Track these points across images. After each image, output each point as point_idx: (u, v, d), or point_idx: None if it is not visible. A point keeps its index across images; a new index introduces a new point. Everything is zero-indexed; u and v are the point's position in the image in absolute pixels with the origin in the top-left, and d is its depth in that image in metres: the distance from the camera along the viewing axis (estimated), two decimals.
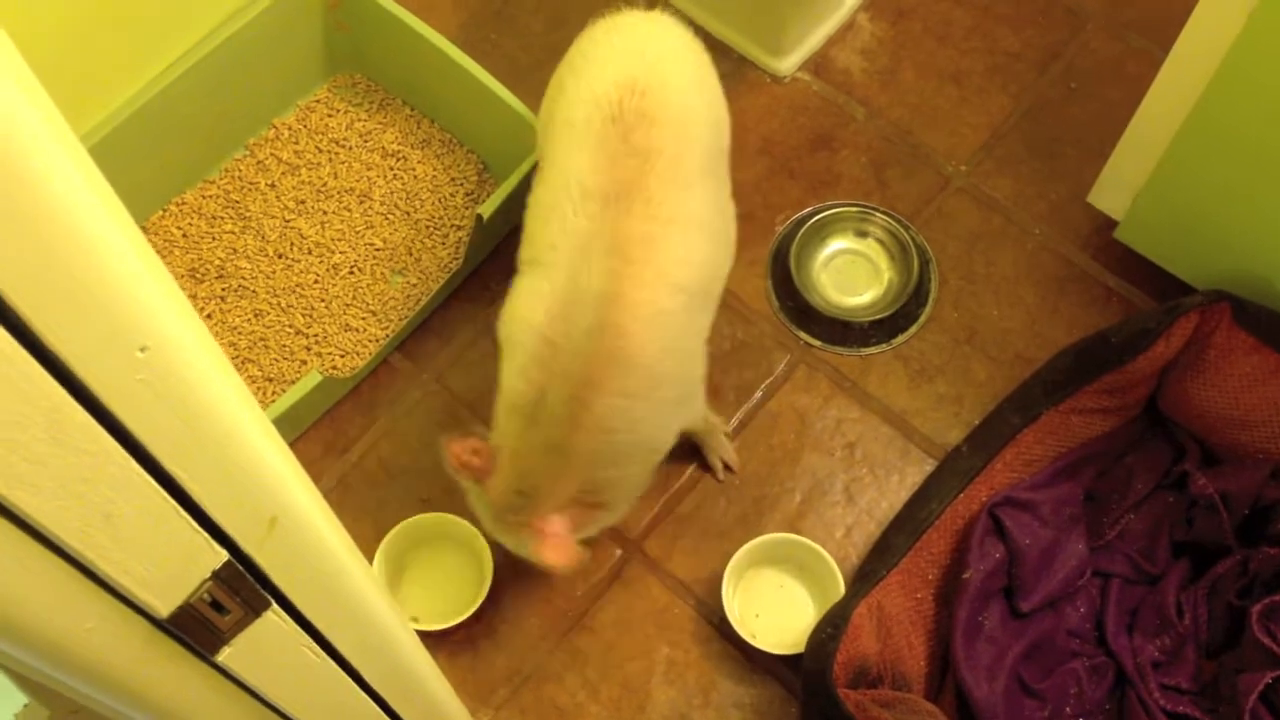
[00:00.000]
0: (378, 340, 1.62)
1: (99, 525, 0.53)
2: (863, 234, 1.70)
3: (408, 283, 1.66)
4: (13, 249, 0.43)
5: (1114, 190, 1.56)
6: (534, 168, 1.36)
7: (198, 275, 1.67)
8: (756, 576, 1.49)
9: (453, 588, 1.50)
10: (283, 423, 1.48)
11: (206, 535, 0.59)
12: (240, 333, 1.63)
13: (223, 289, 1.66)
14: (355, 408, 1.61)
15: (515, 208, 1.38)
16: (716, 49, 1.85)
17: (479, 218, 1.53)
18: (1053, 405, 1.45)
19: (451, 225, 1.70)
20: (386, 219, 1.70)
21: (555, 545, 1.25)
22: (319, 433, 1.60)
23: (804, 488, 1.55)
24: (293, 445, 1.59)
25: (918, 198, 1.73)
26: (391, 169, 1.74)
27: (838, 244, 1.71)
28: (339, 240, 1.69)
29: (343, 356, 1.62)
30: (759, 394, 1.60)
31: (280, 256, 1.68)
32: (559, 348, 1.21)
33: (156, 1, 1.58)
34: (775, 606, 1.48)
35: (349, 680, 0.84)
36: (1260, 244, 1.40)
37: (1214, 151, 1.35)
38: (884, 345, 1.63)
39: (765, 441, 1.58)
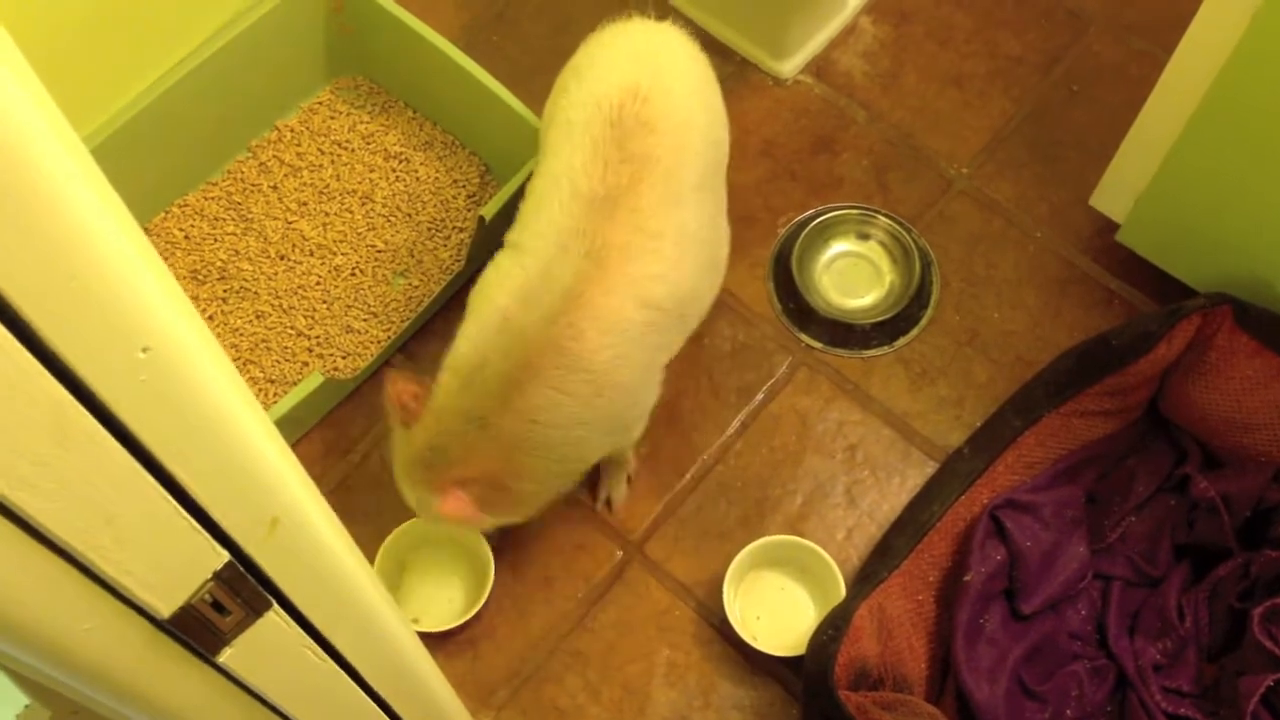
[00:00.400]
0: (379, 342, 1.62)
1: (100, 526, 0.53)
2: (864, 236, 1.71)
3: (410, 284, 1.66)
4: (14, 250, 0.44)
5: (1116, 193, 1.56)
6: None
7: (199, 277, 1.67)
8: (758, 578, 1.49)
9: (453, 589, 1.50)
10: (284, 424, 1.48)
11: (208, 536, 0.59)
12: (242, 334, 1.63)
13: (224, 290, 1.66)
14: (357, 409, 1.61)
15: (517, 210, 1.38)
16: (719, 51, 1.85)
17: (481, 219, 1.53)
18: (1054, 408, 1.45)
19: (454, 227, 1.70)
20: (388, 221, 1.71)
21: (454, 501, 1.26)
22: (320, 434, 1.60)
23: (805, 490, 1.55)
24: (294, 447, 1.59)
25: (919, 200, 1.73)
26: (394, 171, 1.74)
27: (839, 246, 1.71)
28: (341, 242, 1.69)
29: (344, 358, 1.62)
30: (760, 396, 1.61)
31: (282, 258, 1.68)
32: (510, 326, 1.21)
33: (160, 4, 1.59)
34: (776, 608, 1.48)
35: (350, 681, 0.84)
36: (1262, 246, 1.40)
37: (1216, 154, 1.35)
38: (885, 347, 1.63)
39: (767, 443, 1.58)
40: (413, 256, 1.68)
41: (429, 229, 1.70)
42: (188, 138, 1.68)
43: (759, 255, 1.70)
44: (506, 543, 1.52)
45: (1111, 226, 1.60)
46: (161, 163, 1.67)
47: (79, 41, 1.53)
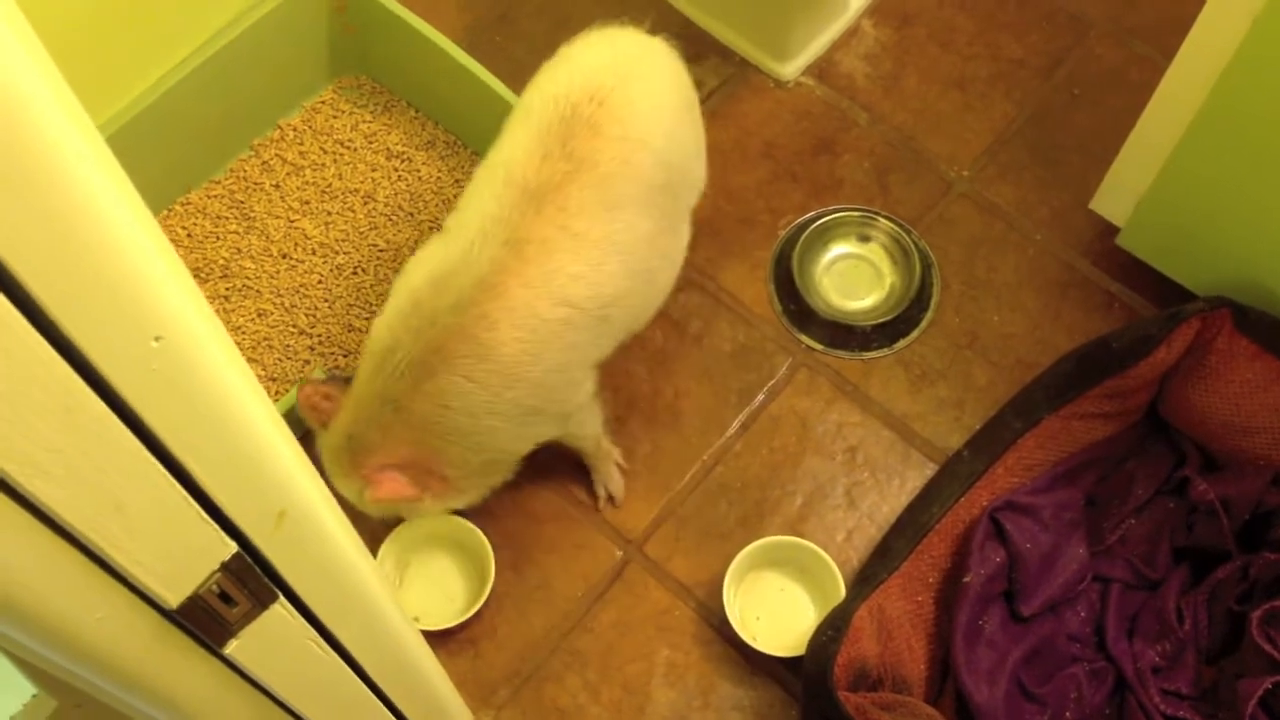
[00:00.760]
0: None
1: (111, 514, 0.53)
2: (865, 238, 1.71)
3: None
4: (30, 238, 0.44)
5: (1116, 196, 1.56)
6: None
7: (202, 275, 1.67)
8: (757, 579, 1.50)
9: (454, 588, 1.51)
10: (285, 422, 1.48)
11: (216, 527, 0.60)
12: (244, 333, 1.64)
13: (227, 289, 1.66)
14: None
15: None
16: (720, 53, 1.86)
17: None
18: (1054, 410, 1.46)
19: None
20: (390, 220, 1.71)
21: (386, 481, 1.26)
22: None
23: (805, 491, 1.55)
24: None
25: (920, 203, 1.73)
26: (396, 170, 1.75)
27: (840, 248, 1.71)
28: (343, 241, 1.69)
29: (346, 357, 1.62)
30: (761, 397, 1.61)
31: (284, 257, 1.68)
32: (422, 309, 1.22)
33: (163, 2, 1.59)
34: (776, 609, 1.48)
35: (353, 675, 0.85)
36: (1262, 250, 1.41)
37: (1217, 158, 1.35)
38: (885, 349, 1.63)
39: (767, 444, 1.58)
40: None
41: (431, 228, 1.70)
42: (190, 136, 1.68)
43: (759, 257, 1.70)
44: (507, 542, 1.52)
45: (1112, 230, 1.60)
46: (164, 160, 1.67)
47: (83, 38, 1.53)
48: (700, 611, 1.49)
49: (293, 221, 1.71)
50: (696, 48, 1.86)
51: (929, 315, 1.65)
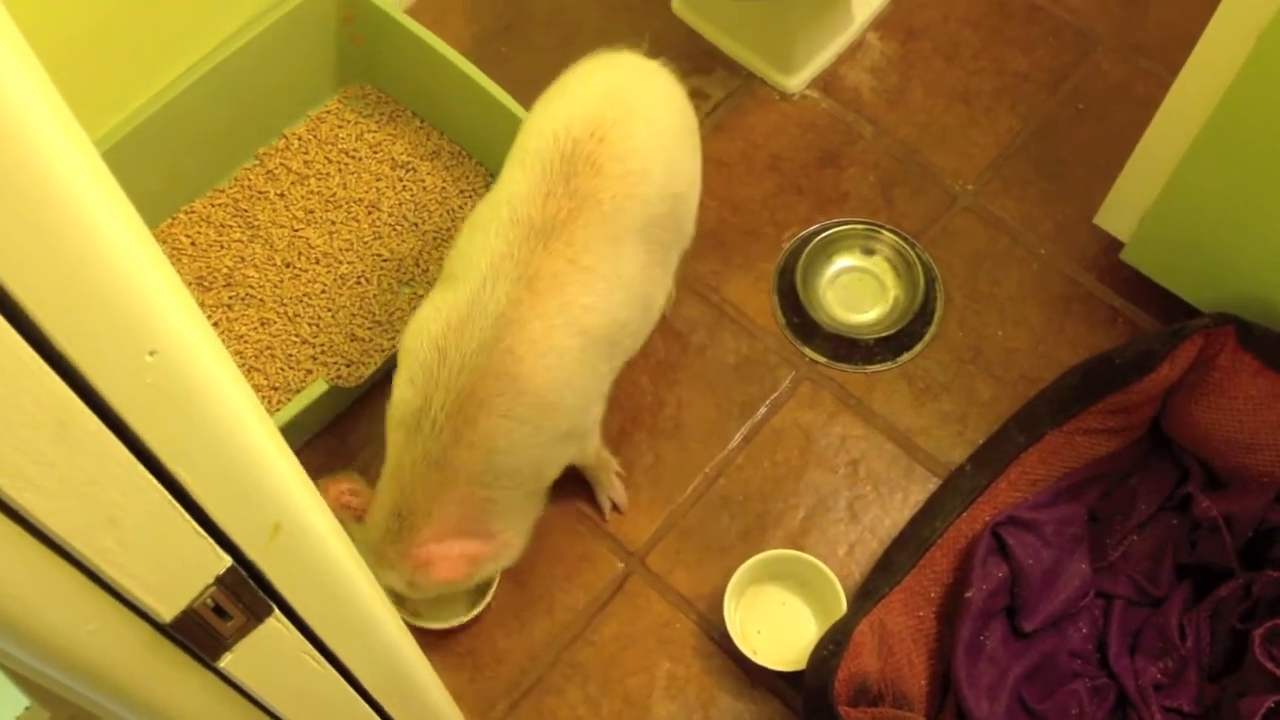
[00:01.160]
0: (383, 350, 1.62)
1: (104, 528, 0.53)
2: (869, 251, 1.71)
3: (415, 294, 1.66)
4: (24, 250, 0.44)
5: (1121, 212, 1.56)
6: None
7: (205, 283, 1.67)
8: (759, 592, 1.49)
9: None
10: (288, 431, 1.48)
11: (210, 540, 0.59)
12: (246, 341, 1.64)
13: (230, 297, 1.67)
14: (360, 417, 1.61)
15: None
16: (726, 65, 1.86)
17: None
18: (1057, 425, 1.45)
19: None
20: (395, 230, 1.71)
21: (442, 560, 1.25)
22: (324, 441, 1.60)
23: (807, 504, 1.55)
24: (297, 454, 1.59)
25: (924, 216, 1.73)
26: (400, 180, 1.75)
27: (844, 261, 1.71)
28: (347, 250, 1.69)
29: (348, 366, 1.62)
30: (763, 409, 1.61)
31: (288, 266, 1.68)
32: (448, 358, 1.20)
33: (169, 10, 1.59)
34: (777, 623, 1.48)
35: (349, 689, 0.84)
36: (1267, 267, 1.40)
37: (1222, 174, 1.35)
38: (889, 363, 1.63)
39: (769, 457, 1.58)
40: (418, 266, 1.68)
41: (435, 238, 1.70)
42: (195, 144, 1.68)
43: (763, 269, 1.70)
44: None
45: (1116, 245, 1.60)
46: (169, 169, 1.67)
47: (88, 47, 1.53)
48: (701, 625, 1.49)
49: (297, 230, 1.71)
50: (702, 60, 1.86)
51: (932, 329, 1.65)
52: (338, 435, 1.61)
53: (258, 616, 0.66)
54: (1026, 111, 1.81)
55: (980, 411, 1.59)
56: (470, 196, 1.73)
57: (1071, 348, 1.62)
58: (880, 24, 1.89)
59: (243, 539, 0.62)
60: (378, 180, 1.75)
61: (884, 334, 1.63)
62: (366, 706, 0.89)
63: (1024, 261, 1.69)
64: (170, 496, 0.56)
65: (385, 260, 1.69)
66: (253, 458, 0.60)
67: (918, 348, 1.64)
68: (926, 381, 1.62)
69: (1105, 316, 1.64)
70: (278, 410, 1.53)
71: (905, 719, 1.28)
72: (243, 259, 1.69)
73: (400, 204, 1.73)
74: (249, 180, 1.75)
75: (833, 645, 1.30)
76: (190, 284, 1.67)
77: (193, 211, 1.73)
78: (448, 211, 1.72)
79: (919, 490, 1.55)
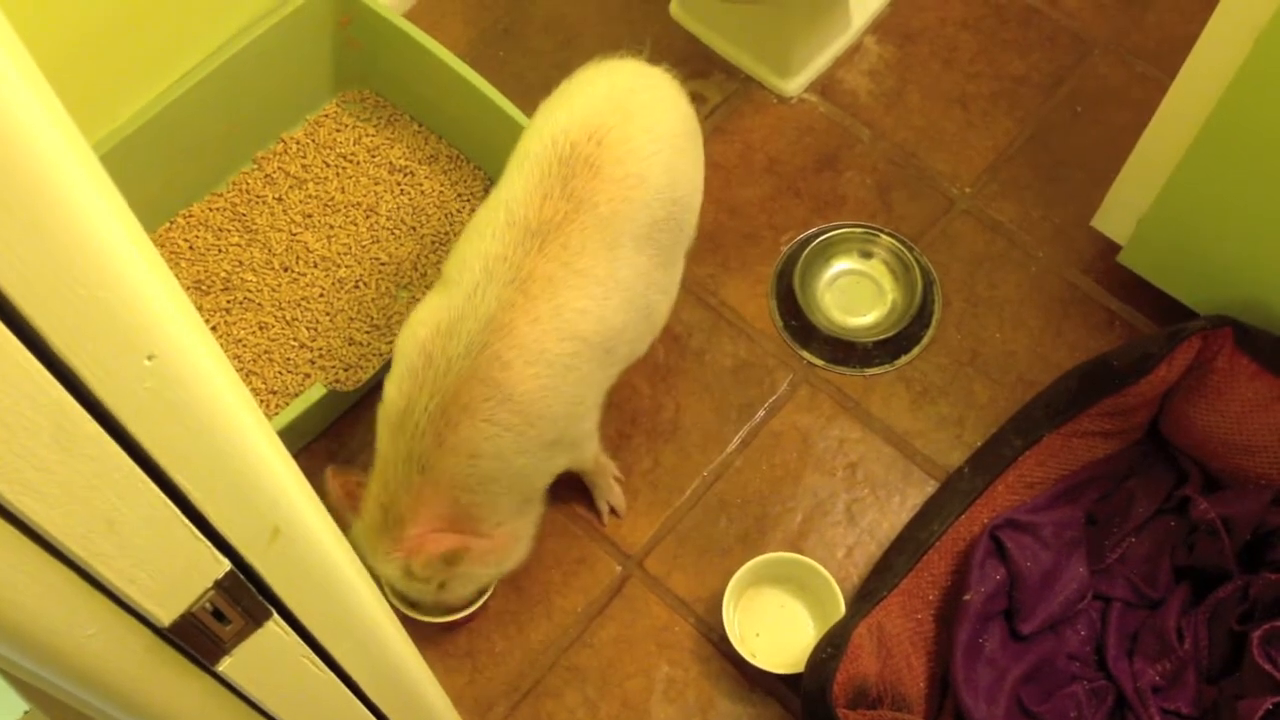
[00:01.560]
0: (381, 354, 1.63)
1: (103, 532, 0.53)
2: (867, 255, 1.71)
3: (413, 298, 1.66)
4: (21, 254, 0.44)
5: (1118, 214, 1.56)
6: None
7: (203, 287, 1.68)
8: (757, 595, 1.49)
9: None
10: (286, 435, 1.48)
11: (209, 544, 0.59)
12: (245, 345, 1.64)
13: (228, 301, 1.67)
14: (358, 421, 1.61)
15: None
16: (724, 69, 1.86)
17: None
18: (1055, 428, 1.45)
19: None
20: (393, 234, 1.71)
21: (434, 539, 1.24)
22: (322, 445, 1.60)
23: (805, 507, 1.55)
24: (295, 458, 1.59)
25: (922, 219, 1.73)
26: (398, 184, 1.75)
27: (842, 264, 1.71)
28: (345, 254, 1.69)
29: (346, 370, 1.62)
30: (761, 413, 1.61)
31: (286, 270, 1.69)
32: (435, 361, 1.20)
33: (167, 15, 1.59)
34: (776, 625, 1.48)
35: (348, 692, 0.84)
36: (1264, 269, 1.40)
37: (1219, 176, 1.35)
38: (887, 366, 1.63)
39: (767, 460, 1.58)
40: (416, 270, 1.68)
41: (433, 242, 1.70)
42: (193, 148, 1.68)
43: (761, 272, 1.70)
44: None
45: (1113, 248, 1.60)
46: (167, 173, 1.67)
47: (87, 51, 1.54)
48: (700, 628, 1.49)
49: (295, 235, 1.71)
50: (700, 64, 1.87)
51: (930, 332, 1.65)
52: (336, 439, 1.61)
53: (256, 620, 0.67)
54: (1024, 115, 1.81)
55: (978, 414, 1.60)
56: (468, 200, 1.73)
57: (1069, 350, 1.63)
58: (877, 28, 1.89)
59: (241, 543, 0.62)
60: (376, 184, 1.75)
61: (882, 337, 1.63)
62: (365, 710, 0.89)
63: (1021, 264, 1.69)
64: (169, 501, 0.56)
65: (383, 264, 1.69)
66: (251, 462, 0.60)
67: (915, 351, 1.64)
68: (924, 384, 1.62)
69: (1103, 319, 1.65)
70: (276, 414, 1.53)
71: None
72: (241, 263, 1.69)
73: (398, 208, 1.73)
74: (247, 184, 1.75)
75: (831, 648, 1.30)
76: (188, 288, 1.67)
77: (191, 216, 1.73)
78: (446, 215, 1.72)
79: (917, 493, 1.55)
